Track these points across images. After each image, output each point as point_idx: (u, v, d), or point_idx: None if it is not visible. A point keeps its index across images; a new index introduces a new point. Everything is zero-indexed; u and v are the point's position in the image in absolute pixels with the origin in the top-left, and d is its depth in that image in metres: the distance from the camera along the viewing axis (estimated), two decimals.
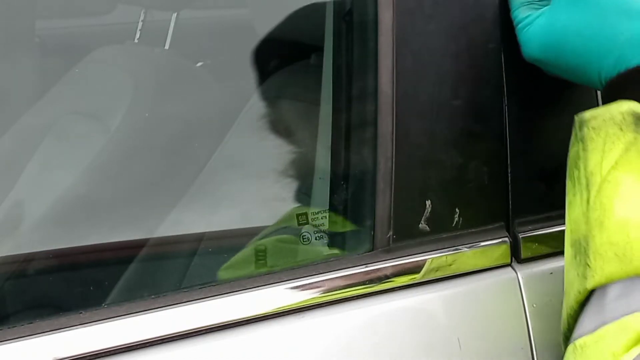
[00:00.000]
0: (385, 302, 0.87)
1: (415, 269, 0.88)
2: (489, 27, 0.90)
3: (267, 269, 1.00)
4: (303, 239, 1.03)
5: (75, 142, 1.50)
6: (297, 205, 1.12)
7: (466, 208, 0.91)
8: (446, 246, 0.90)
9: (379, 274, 0.87)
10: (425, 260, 0.89)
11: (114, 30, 2.19)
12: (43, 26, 2.00)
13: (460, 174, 0.90)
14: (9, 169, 1.47)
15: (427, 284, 0.89)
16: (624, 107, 0.77)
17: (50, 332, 0.76)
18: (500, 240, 0.92)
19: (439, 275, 0.89)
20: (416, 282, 0.88)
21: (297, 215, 1.04)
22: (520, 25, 0.88)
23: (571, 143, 0.81)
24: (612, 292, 0.75)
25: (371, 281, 0.86)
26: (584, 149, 0.78)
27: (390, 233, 0.88)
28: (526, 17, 0.87)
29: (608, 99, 0.80)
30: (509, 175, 0.92)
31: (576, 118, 0.80)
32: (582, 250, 0.77)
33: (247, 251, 1.06)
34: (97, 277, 1.22)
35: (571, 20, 0.83)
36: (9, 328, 0.77)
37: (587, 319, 0.77)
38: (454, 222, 0.91)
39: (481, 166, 0.91)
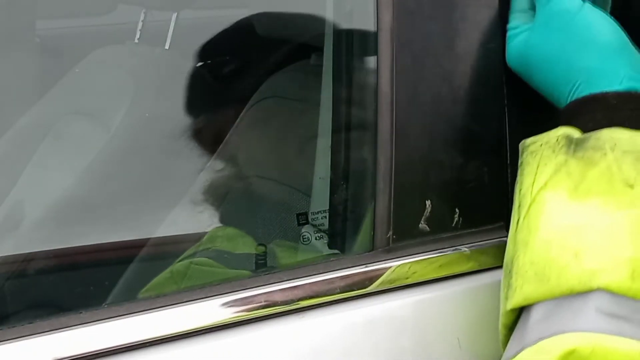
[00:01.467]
0: (385, 302, 0.87)
1: (415, 269, 0.88)
2: (488, 27, 0.90)
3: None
4: (303, 239, 1.03)
5: (76, 142, 1.50)
6: (218, 226, 1.13)
7: (466, 208, 0.91)
8: (446, 246, 0.90)
9: (379, 273, 0.87)
10: (426, 260, 0.89)
11: (114, 30, 2.19)
12: (43, 26, 2.00)
13: (460, 174, 0.90)
14: (9, 168, 1.47)
15: (427, 283, 0.89)
16: (560, 131, 0.79)
17: (50, 332, 0.76)
18: (500, 240, 0.92)
19: (438, 275, 0.89)
20: (416, 282, 0.88)
21: (297, 215, 1.04)
22: (509, 33, 0.90)
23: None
24: (535, 315, 0.74)
25: (371, 281, 0.86)
26: (521, 173, 0.80)
27: (390, 233, 0.88)
28: (516, 26, 0.89)
29: (562, 124, 0.81)
30: (509, 175, 0.92)
31: (520, 144, 0.82)
32: (508, 272, 0.77)
33: (165, 273, 1.07)
34: (97, 277, 1.22)
35: (542, 43, 0.85)
36: (9, 328, 0.77)
37: (511, 344, 0.77)
38: (454, 222, 0.91)
39: (481, 166, 0.91)
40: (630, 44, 0.83)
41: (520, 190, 0.79)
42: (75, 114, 1.52)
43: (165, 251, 1.23)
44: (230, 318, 0.82)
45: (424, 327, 0.87)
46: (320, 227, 1.01)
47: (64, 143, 1.50)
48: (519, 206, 0.78)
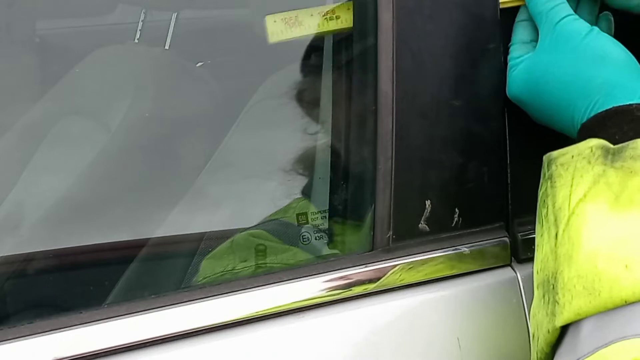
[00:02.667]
0: (385, 302, 0.87)
1: (415, 268, 0.88)
2: (488, 27, 0.91)
3: (240, 262, 1.01)
4: (303, 239, 1.03)
5: (76, 142, 1.50)
6: (297, 197, 1.12)
7: (466, 208, 0.91)
8: (446, 246, 0.90)
9: (379, 273, 0.87)
10: (426, 260, 0.89)
11: (114, 30, 2.19)
12: (43, 26, 2.00)
13: (460, 174, 0.90)
14: (10, 169, 1.47)
15: (426, 283, 0.89)
16: (593, 142, 0.78)
17: (51, 332, 0.76)
18: (500, 240, 0.92)
19: (438, 275, 0.89)
20: (416, 282, 0.88)
21: (297, 215, 1.04)
22: (510, 64, 0.90)
23: (540, 184, 0.81)
24: (585, 328, 0.73)
25: (371, 281, 0.87)
26: (552, 186, 0.78)
27: (390, 233, 0.88)
28: (518, 56, 0.89)
29: (582, 139, 0.80)
30: (509, 175, 0.92)
31: (545, 157, 0.81)
32: (551, 288, 0.76)
33: (227, 243, 1.07)
34: (98, 277, 1.22)
35: (550, 65, 0.85)
36: (9, 328, 0.77)
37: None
38: (454, 222, 0.91)
39: (481, 166, 0.91)
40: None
41: (554, 203, 0.77)
42: (75, 114, 1.52)
43: (165, 251, 1.24)
44: (230, 318, 0.82)
45: (424, 327, 0.87)
46: (320, 227, 1.01)
47: (64, 143, 1.50)
48: (556, 220, 0.76)
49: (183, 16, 2.02)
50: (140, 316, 0.79)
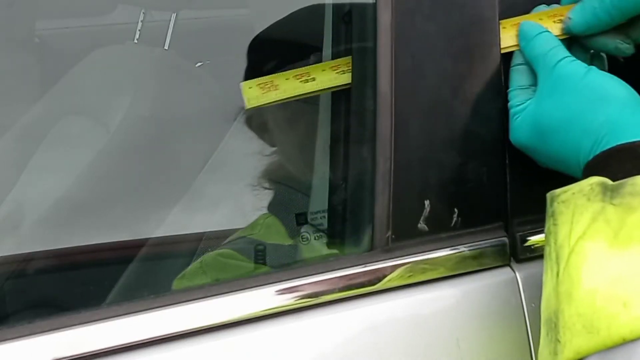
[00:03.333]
0: (384, 302, 0.87)
1: (415, 269, 0.89)
2: (488, 27, 0.91)
3: (213, 282, 1.01)
4: (302, 239, 1.03)
5: (75, 142, 1.50)
6: (264, 214, 1.13)
7: (465, 208, 0.91)
8: (445, 246, 0.90)
9: (378, 273, 0.87)
10: (425, 260, 0.89)
11: (113, 30, 2.19)
12: (43, 26, 2.00)
13: (459, 174, 0.90)
14: (10, 169, 1.47)
15: (426, 283, 0.89)
16: (593, 179, 0.78)
17: (50, 332, 0.76)
18: (499, 240, 0.92)
19: (437, 275, 0.89)
20: (415, 282, 0.88)
21: (296, 215, 1.04)
22: (512, 111, 0.89)
23: (545, 222, 0.81)
24: None
25: (370, 281, 0.87)
26: (554, 224, 0.78)
27: (389, 233, 0.88)
28: (520, 103, 0.89)
29: (587, 177, 0.80)
30: (508, 175, 0.92)
31: (548, 195, 0.81)
32: (553, 326, 0.76)
33: (196, 264, 1.08)
34: (97, 277, 1.22)
35: (553, 109, 0.85)
36: (8, 327, 0.77)
37: None
38: (453, 222, 0.91)
39: (480, 166, 0.91)
40: None
41: (555, 241, 0.77)
42: (74, 114, 1.52)
43: (164, 251, 1.24)
44: (229, 318, 0.82)
45: (423, 327, 0.87)
46: (319, 227, 1.01)
47: (64, 143, 1.50)
48: (557, 258, 0.76)
49: (182, 16, 2.02)
50: (139, 316, 0.79)
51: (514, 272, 0.92)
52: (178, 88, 1.54)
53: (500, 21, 0.91)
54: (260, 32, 1.26)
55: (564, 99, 0.85)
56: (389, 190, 0.87)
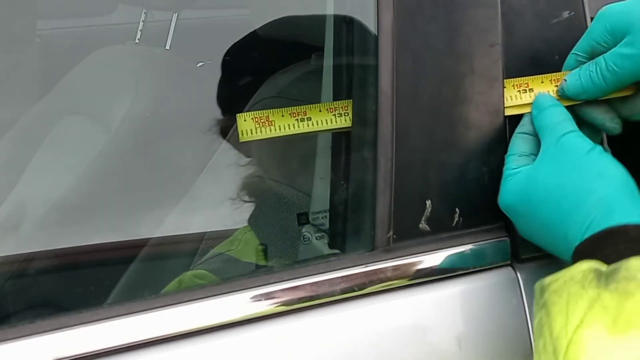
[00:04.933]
0: (385, 302, 0.87)
1: (416, 269, 0.88)
2: (489, 27, 0.91)
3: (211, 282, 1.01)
4: (304, 239, 1.03)
5: (76, 142, 1.50)
6: (244, 226, 1.14)
7: (466, 208, 0.91)
8: (446, 246, 0.90)
9: (379, 274, 0.87)
10: (427, 260, 0.89)
11: (114, 30, 2.20)
12: (44, 26, 2.00)
13: (461, 174, 0.90)
14: (10, 169, 1.47)
15: (427, 283, 0.89)
16: (584, 265, 0.77)
17: (51, 332, 0.76)
18: (500, 240, 0.92)
19: (439, 275, 0.89)
20: (416, 282, 0.88)
21: (298, 215, 1.04)
22: (506, 173, 0.89)
23: (534, 313, 0.80)
24: None
25: (371, 281, 0.87)
26: (548, 315, 0.77)
27: (391, 233, 0.88)
28: (515, 167, 0.88)
29: (578, 260, 0.79)
30: None
31: (537, 285, 0.80)
32: None
33: (175, 283, 1.08)
34: (98, 277, 1.23)
35: (549, 176, 0.84)
36: (9, 327, 0.77)
37: None
38: (454, 222, 0.91)
39: (481, 166, 0.91)
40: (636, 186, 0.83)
41: (551, 333, 0.75)
42: (75, 114, 1.52)
43: (165, 251, 1.24)
44: (230, 318, 0.82)
45: (424, 327, 0.87)
46: (321, 227, 1.01)
47: (65, 143, 1.50)
48: (555, 350, 0.74)
49: (184, 16, 2.02)
50: (140, 316, 0.79)
51: (515, 272, 0.92)
52: (179, 88, 1.54)
53: (505, 80, 0.91)
54: (237, 42, 1.26)
55: (563, 169, 0.84)
56: (390, 190, 0.87)
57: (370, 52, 0.89)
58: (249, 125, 0.88)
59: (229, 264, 1.10)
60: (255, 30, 1.30)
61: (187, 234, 1.24)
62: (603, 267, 0.76)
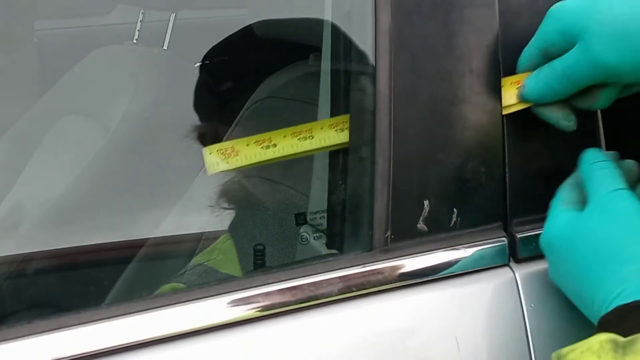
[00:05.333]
0: (383, 302, 0.87)
1: (414, 269, 0.89)
2: (486, 27, 0.91)
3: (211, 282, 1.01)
4: (301, 239, 1.03)
5: (74, 142, 1.50)
6: (224, 235, 1.13)
7: (464, 208, 0.91)
8: (444, 246, 0.90)
9: (377, 274, 0.87)
10: (423, 260, 0.89)
11: (112, 30, 2.19)
12: (42, 26, 2.00)
13: (458, 174, 0.90)
14: (9, 168, 1.47)
15: (425, 284, 0.89)
16: (603, 336, 0.76)
17: (50, 332, 0.76)
18: (498, 240, 0.92)
19: (437, 275, 0.89)
20: (414, 282, 0.88)
21: (296, 215, 1.04)
22: (555, 211, 0.87)
23: None
24: None
25: (369, 281, 0.87)
26: None
27: (389, 233, 0.88)
28: (565, 210, 0.86)
29: (602, 330, 0.78)
30: (507, 175, 0.92)
31: (554, 355, 0.79)
32: None
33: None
34: (97, 277, 1.23)
35: (594, 231, 0.82)
36: (8, 328, 0.77)
37: None
38: (452, 222, 0.91)
39: (479, 166, 0.91)
40: None
41: None
42: (74, 114, 1.52)
43: (164, 251, 1.24)
44: (229, 318, 0.82)
45: (422, 328, 0.87)
46: (319, 227, 1.01)
47: (63, 143, 1.50)
48: None
49: (181, 16, 2.02)
50: (139, 316, 0.79)
51: (513, 272, 0.92)
52: (177, 88, 1.54)
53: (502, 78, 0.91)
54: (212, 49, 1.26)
55: (609, 227, 0.82)
56: (388, 190, 0.87)
57: (367, 52, 0.89)
58: (214, 158, 0.89)
59: (207, 276, 1.09)
60: (253, 30, 1.30)
61: (186, 234, 1.24)
62: (621, 339, 0.75)
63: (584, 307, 0.83)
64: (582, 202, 0.86)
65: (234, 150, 0.89)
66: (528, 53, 0.89)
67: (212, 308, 0.81)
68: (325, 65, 0.98)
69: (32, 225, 1.33)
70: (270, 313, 0.83)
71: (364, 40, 0.90)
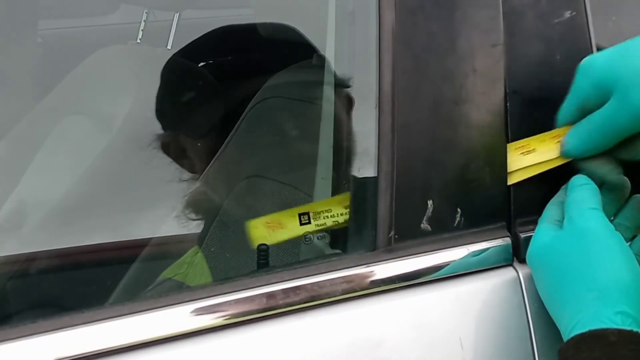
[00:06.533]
0: (387, 302, 0.87)
1: (417, 268, 0.88)
2: (490, 27, 0.91)
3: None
4: (305, 239, 1.03)
5: (78, 142, 1.50)
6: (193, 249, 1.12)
7: (468, 208, 0.91)
8: (448, 246, 0.90)
9: (381, 273, 0.87)
10: (427, 260, 0.89)
11: (116, 30, 2.20)
12: (45, 26, 2.00)
13: (462, 174, 0.90)
14: (12, 168, 1.47)
15: (428, 283, 0.89)
16: None
17: (53, 332, 0.76)
18: (501, 239, 0.92)
19: (440, 275, 0.89)
20: (418, 282, 0.88)
21: (300, 215, 1.04)
22: (538, 230, 0.88)
23: None
24: None
25: (373, 281, 0.87)
26: None
27: (392, 233, 0.88)
28: (547, 229, 0.87)
29: None
30: None
31: None
32: None
33: None
34: (100, 277, 1.22)
35: (565, 255, 0.83)
36: (11, 327, 0.77)
37: None
38: (456, 222, 0.91)
39: (483, 166, 0.91)
40: None
41: None
42: (77, 114, 1.52)
43: (166, 251, 1.24)
44: (231, 318, 0.82)
45: (426, 327, 0.87)
46: (322, 227, 1.01)
47: (66, 143, 1.50)
48: None
49: (185, 16, 2.02)
50: (142, 316, 0.79)
51: (517, 272, 0.92)
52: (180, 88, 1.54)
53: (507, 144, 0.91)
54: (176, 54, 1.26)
55: (577, 252, 0.83)
56: (391, 190, 0.87)
57: (371, 51, 0.89)
58: (260, 231, 0.92)
59: (174, 289, 1.09)
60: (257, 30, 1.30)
61: (188, 234, 1.24)
62: None
63: (559, 326, 0.83)
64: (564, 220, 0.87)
65: (280, 224, 0.93)
66: (565, 111, 0.89)
67: (213, 308, 0.81)
68: (329, 64, 0.97)
69: (35, 225, 1.33)
70: (274, 313, 0.83)
71: (367, 39, 0.90)
